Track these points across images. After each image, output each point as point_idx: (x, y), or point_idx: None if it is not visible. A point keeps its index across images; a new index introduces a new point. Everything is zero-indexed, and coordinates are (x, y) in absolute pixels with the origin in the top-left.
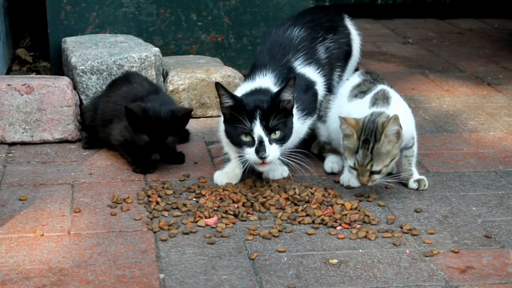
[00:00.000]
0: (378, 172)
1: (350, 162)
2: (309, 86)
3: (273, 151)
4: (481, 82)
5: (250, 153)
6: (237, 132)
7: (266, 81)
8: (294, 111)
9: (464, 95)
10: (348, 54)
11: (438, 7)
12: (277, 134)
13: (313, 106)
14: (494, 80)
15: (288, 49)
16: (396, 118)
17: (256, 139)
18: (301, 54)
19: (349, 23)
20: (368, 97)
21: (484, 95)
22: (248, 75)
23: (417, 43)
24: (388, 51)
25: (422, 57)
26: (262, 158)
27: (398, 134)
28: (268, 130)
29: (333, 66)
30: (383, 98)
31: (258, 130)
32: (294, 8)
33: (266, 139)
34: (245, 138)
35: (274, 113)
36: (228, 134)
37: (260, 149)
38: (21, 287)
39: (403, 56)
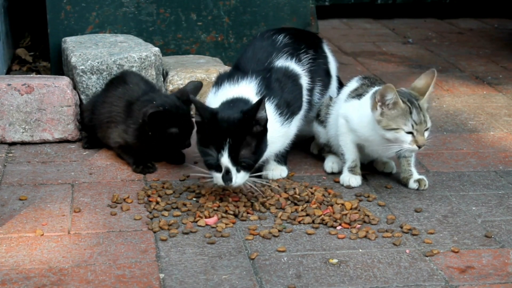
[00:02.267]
0: (428, 129)
1: (406, 127)
2: (294, 80)
3: (240, 178)
4: (481, 82)
5: (217, 177)
6: (204, 157)
7: (250, 88)
8: (276, 117)
9: (464, 95)
10: (328, 73)
11: (438, 7)
12: (247, 162)
13: (298, 104)
14: (494, 80)
15: (271, 52)
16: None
17: (223, 168)
18: (284, 54)
19: (326, 48)
20: (368, 95)
21: (484, 95)
22: (230, 76)
23: (417, 43)
24: (388, 51)
25: (422, 57)
26: (229, 186)
27: (430, 100)
28: (237, 162)
29: (315, 80)
30: None
31: (225, 161)
32: (294, 8)
33: (233, 169)
34: (213, 164)
35: (245, 140)
36: (199, 151)
37: (226, 178)
38: (21, 287)
39: (403, 56)
